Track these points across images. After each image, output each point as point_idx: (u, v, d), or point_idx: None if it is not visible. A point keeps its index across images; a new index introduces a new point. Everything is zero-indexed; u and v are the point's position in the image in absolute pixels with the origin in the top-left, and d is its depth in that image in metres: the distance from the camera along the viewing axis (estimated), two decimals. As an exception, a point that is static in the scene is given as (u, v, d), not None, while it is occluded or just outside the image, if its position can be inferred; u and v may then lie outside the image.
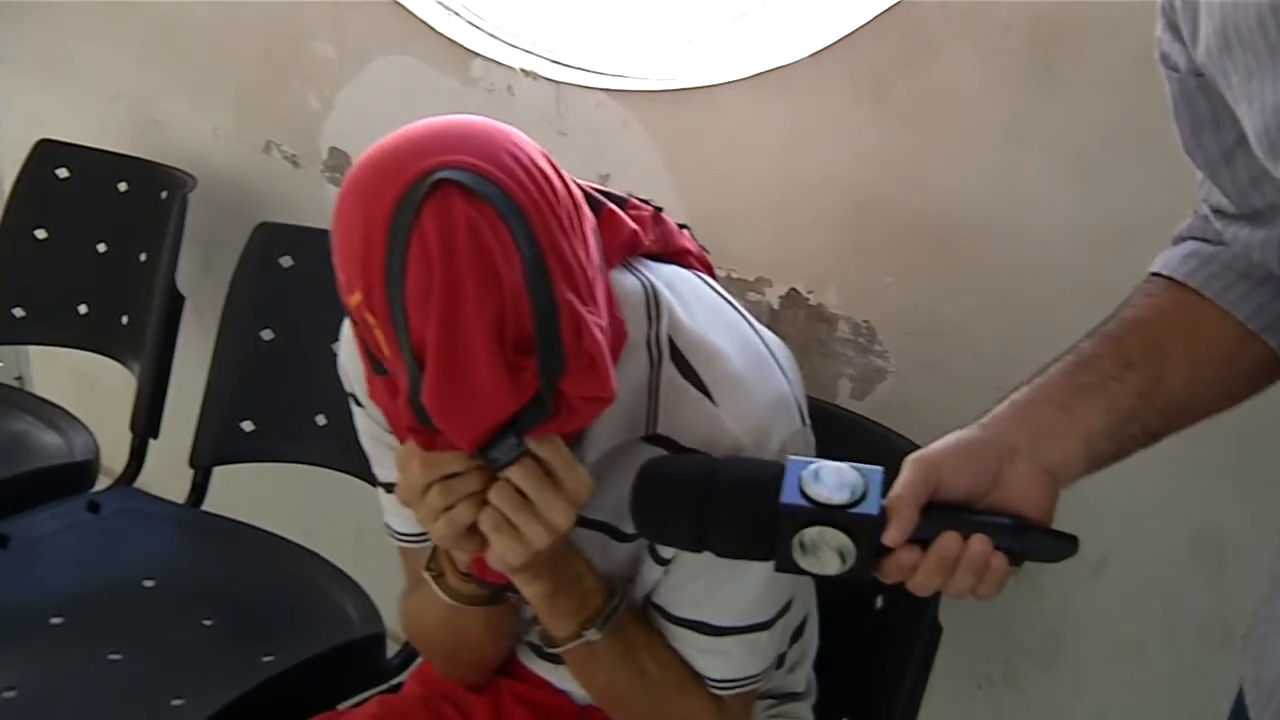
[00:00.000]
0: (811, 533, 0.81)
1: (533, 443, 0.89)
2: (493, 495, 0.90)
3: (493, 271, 0.82)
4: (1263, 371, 0.86)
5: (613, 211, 1.01)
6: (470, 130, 0.88)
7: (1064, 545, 0.84)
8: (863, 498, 0.82)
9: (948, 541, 0.81)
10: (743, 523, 0.85)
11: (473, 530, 0.92)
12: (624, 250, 1.01)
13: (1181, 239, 0.90)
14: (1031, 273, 1.32)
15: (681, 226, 1.12)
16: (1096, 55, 1.21)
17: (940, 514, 0.82)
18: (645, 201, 1.07)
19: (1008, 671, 1.49)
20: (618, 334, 0.95)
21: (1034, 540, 0.83)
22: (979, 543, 0.81)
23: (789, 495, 0.83)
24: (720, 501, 0.85)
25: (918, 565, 0.81)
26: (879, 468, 0.84)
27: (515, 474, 0.90)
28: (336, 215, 0.88)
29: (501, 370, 0.84)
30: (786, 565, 0.84)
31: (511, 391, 0.84)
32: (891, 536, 0.81)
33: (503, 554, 0.92)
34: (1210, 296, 0.85)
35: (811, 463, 0.84)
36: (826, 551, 0.82)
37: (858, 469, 0.84)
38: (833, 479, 0.83)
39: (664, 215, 1.08)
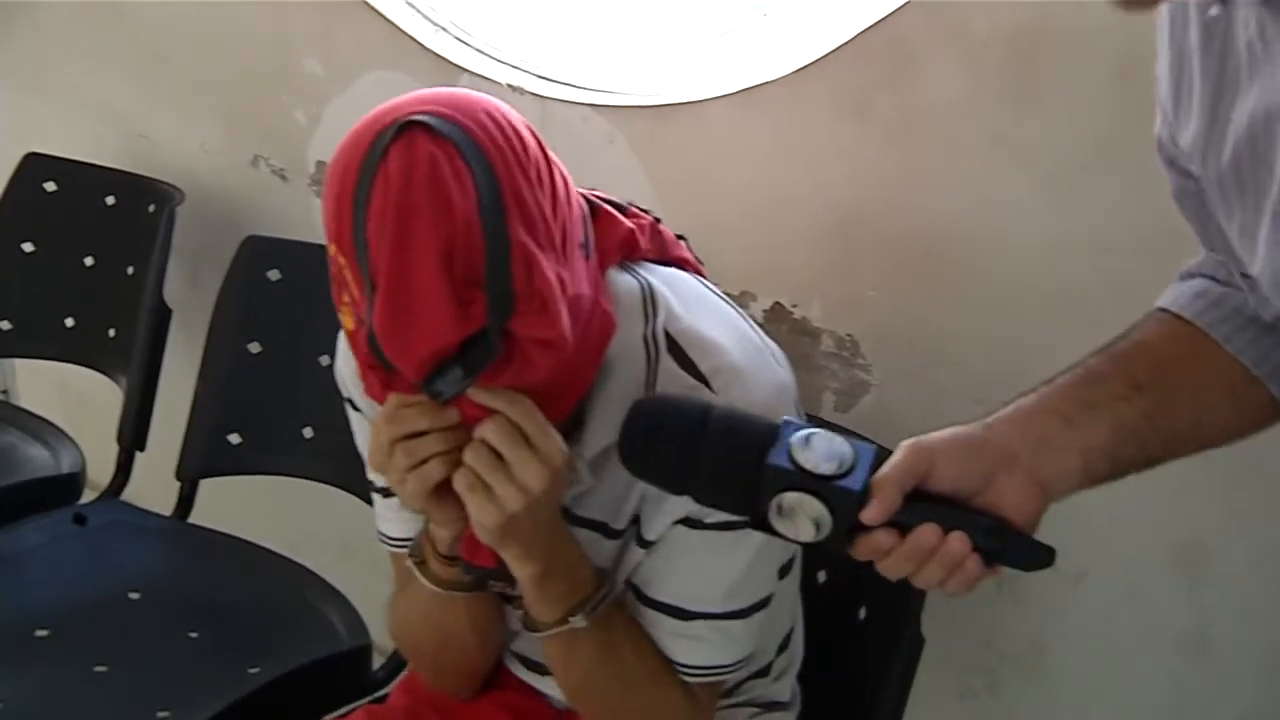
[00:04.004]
0: (791, 497, 0.81)
1: (500, 401, 0.90)
2: (467, 455, 0.92)
3: (446, 201, 0.84)
4: (1265, 413, 0.87)
5: (609, 212, 1.03)
6: (451, 92, 0.91)
7: (1041, 555, 0.83)
8: (849, 472, 0.81)
9: (927, 532, 0.80)
10: (727, 470, 0.84)
11: (442, 493, 0.93)
12: (620, 250, 1.03)
13: (1190, 275, 0.90)
14: (1012, 285, 1.34)
15: (679, 237, 1.13)
16: (1073, 70, 1.23)
17: (924, 503, 0.81)
18: (645, 211, 1.09)
19: (990, 681, 1.50)
20: (605, 324, 0.96)
21: (1013, 545, 0.82)
22: (957, 540, 0.80)
23: (776, 456, 0.82)
24: (709, 444, 0.85)
25: (892, 549, 0.81)
26: (873, 446, 0.83)
27: (489, 433, 0.91)
28: (325, 179, 0.91)
29: (447, 297, 0.84)
30: (761, 524, 0.83)
31: (456, 320, 0.85)
32: (870, 514, 0.80)
33: (478, 516, 0.93)
34: (1217, 339, 0.85)
35: (805, 428, 0.84)
36: (803, 518, 0.81)
37: (852, 443, 0.83)
38: (823, 448, 0.82)
39: (662, 226, 1.10)
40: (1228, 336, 0.85)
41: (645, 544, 1.03)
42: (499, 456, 0.91)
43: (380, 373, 0.91)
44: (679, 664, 1.06)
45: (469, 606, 1.09)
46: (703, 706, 1.09)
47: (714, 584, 1.03)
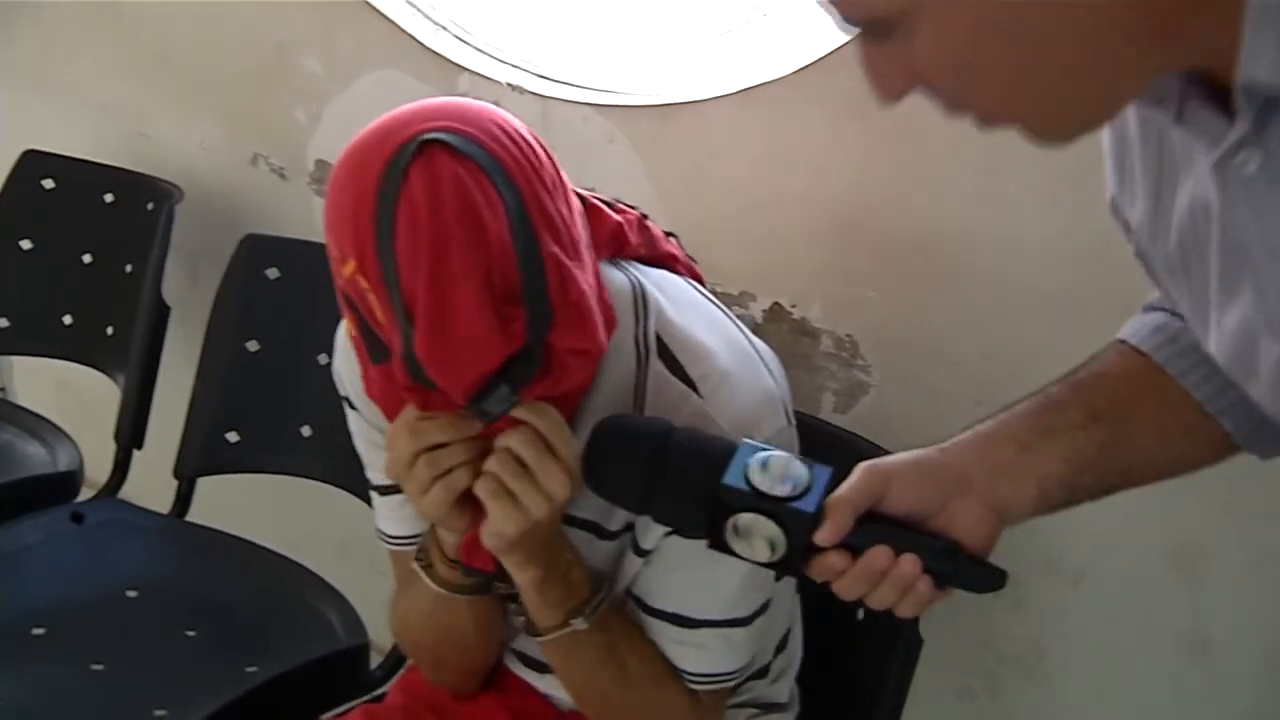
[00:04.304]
0: (747, 518, 0.82)
1: (527, 413, 0.91)
2: (492, 464, 0.92)
3: (479, 224, 0.84)
4: (1220, 448, 0.87)
5: (596, 205, 1.03)
6: (455, 104, 0.91)
7: (993, 579, 0.84)
8: (804, 494, 0.82)
9: (879, 554, 0.81)
10: (684, 492, 0.86)
11: (463, 503, 0.94)
12: (610, 244, 1.03)
13: (1152, 308, 0.91)
14: (1011, 287, 1.34)
15: (668, 234, 1.13)
16: (1075, 73, 1.23)
17: (878, 525, 0.82)
18: (631, 207, 1.09)
19: (989, 683, 1.50)
20: (607, 319, 0.96)
21: (965, 568, 0.83)
22: (909, 562, 0.81)
23: (732, 477, 0.83)
24: (668, 466, 0.86)
25: (845, 570, 0.82)
26: (829, 468, 0.85)
27: (515, 441, 0.91)
28: (329, 193, 0.90)
29: (490, 318, 0.85)
30: (718, 544, 0.85)
31: (501, 340, 0.86)
32: (823, 536, 0.82)
33: (501, 523, 0.93)
34: (1173, 374, 0.86)
35: (762, 449, 0.85)
36: (758, 539, 0.83)
37: (808, 465, 0.84)
38: (778, 470, 0.83)
39: (649, 222, 1.10)
40: (1183, 372, 0.86)
41: (642, 553, 1.03)
42: (522, 464, 0.91)
43: (419, 393, 0.91)
44: (686, 673, 1.06)
45: (472, 607, 1.09)
46: (709, 712, 1.09)
47: (714, 592, 1.03)
